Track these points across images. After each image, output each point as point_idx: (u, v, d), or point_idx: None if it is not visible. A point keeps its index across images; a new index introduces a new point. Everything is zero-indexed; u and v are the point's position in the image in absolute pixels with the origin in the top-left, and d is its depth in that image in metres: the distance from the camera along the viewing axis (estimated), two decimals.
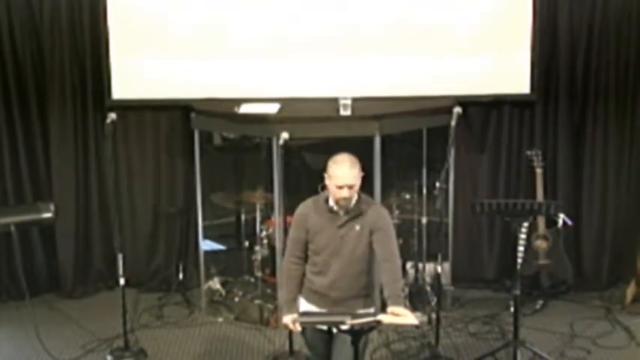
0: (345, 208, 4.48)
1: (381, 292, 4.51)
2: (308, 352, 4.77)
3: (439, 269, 5.70)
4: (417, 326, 5.80)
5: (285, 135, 5.56)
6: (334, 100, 6.13)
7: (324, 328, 4.51)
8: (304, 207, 4.61)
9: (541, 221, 6.35)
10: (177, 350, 5.93)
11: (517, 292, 5.42)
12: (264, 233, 6.39)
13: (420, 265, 6.64)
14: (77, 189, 6.68)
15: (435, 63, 6.43)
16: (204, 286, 6.54)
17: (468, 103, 6.34)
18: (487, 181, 6.75)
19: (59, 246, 6.71)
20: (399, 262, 4.48)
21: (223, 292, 6.62)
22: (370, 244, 4.48)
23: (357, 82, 6.41)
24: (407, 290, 6.25)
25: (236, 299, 6.50)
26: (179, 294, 6.71)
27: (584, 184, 6.67)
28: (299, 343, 5.51)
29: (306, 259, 4.61)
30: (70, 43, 6.48)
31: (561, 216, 6.21)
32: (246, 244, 6.69)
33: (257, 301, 6.32)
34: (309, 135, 6.30)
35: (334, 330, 4.42)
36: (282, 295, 4.91)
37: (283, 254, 4.78)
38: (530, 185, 6.47)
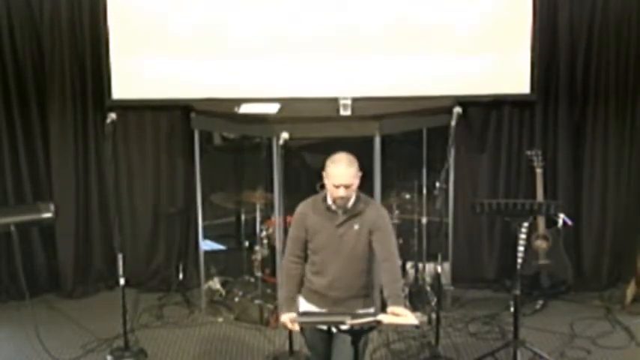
0: (343, 207, 4.47)
1: (381, 292, 4.51)
2: (308, 352, 4.77)
3: (439, 269, 5.70)
4: (417, 326, 5.80)
5: (285, 135, 5.56)
6: (334, 100, 6.13)
7: (324, 328, 4.50)
8: (304, 206, 4.61)
9: (541, 221, 6.35)
10: (177, 350, 5.93)
11: (517, 292, 5.41)
12: (264, 233, 6.38)
13: (420, 265, 6.63)
14: (77, 189, 6.68)
15: (434, 63, 6.43)
16: (204, 286, 6.54)
17: (467, 103, 6.33)
18: (487, 181, 6.74)
19: (59, 246, 6.71)
20: (398, 261, 4.48)
21: (223, 292, 6.62)
22: (369, 244, 4.47)
23: (357, 82, 6.41)
24: (407, 290, 6.24)
25: (236, 299, 6.50)
26: (179, 294, 6.70)
27: (584, 184, 6.67)
28: (299, 343, 5.51)
29: (305, 258, 4.61)
30: (70, 43, 6.48)
31: (561, 216, 6.21)
32: (246, 244, 6.69)
33: (257, 301, 6.32)
34: (309, 135, 6.29)
35: (334, 330, 4.41)
36: (281, 293, 4.91)
37: (283, 254, 4.78)
38: (530, 185, 6.47)
